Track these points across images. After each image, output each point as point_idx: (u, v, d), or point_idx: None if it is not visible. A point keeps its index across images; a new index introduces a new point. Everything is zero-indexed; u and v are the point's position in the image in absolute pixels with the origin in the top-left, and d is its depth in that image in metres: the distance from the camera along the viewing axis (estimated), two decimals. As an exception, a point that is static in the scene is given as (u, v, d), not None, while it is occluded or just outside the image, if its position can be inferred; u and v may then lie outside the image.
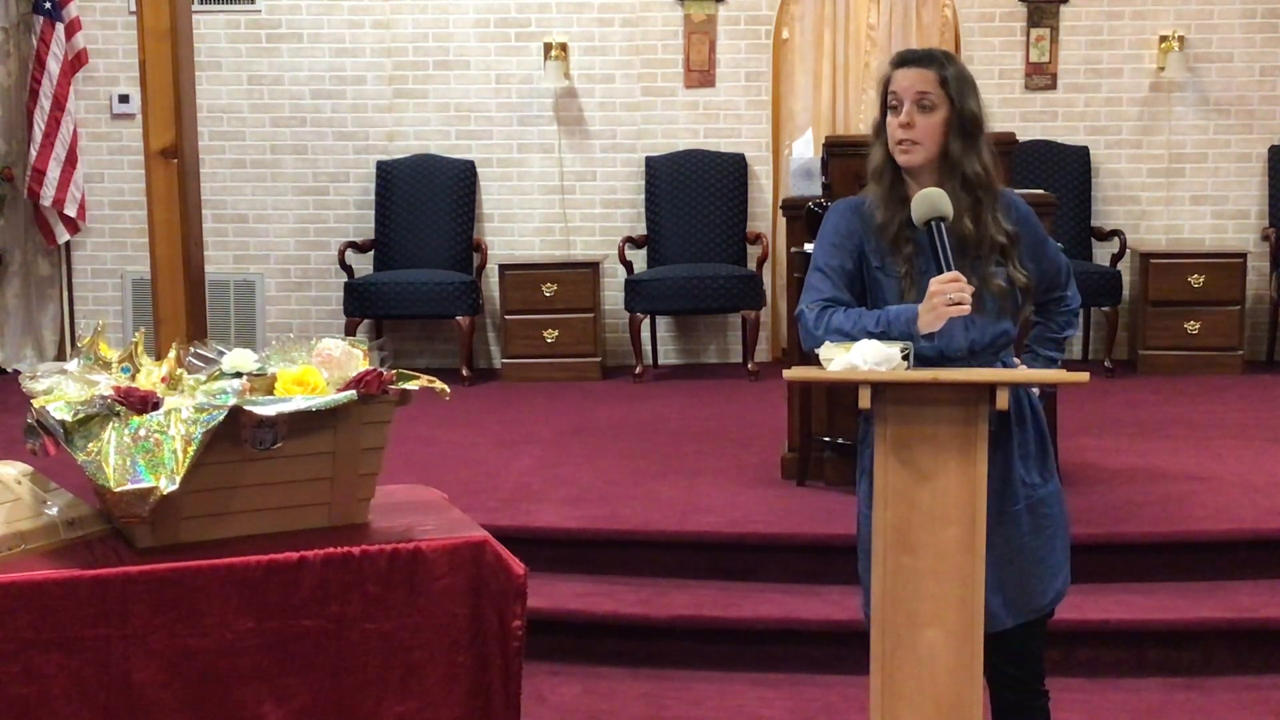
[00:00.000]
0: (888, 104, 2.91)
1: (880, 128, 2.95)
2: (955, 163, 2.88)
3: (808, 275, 3.03)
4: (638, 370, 7.59)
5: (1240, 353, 7.46)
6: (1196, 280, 7.39)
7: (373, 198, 8.00)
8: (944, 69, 2.88)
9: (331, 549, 2.52)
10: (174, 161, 4.38)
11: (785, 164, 7.20)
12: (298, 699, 2.51)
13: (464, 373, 7.57)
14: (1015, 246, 2.92)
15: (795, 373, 2.91)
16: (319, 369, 2.61)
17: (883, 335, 2.81)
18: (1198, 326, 7.41)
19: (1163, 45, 7.74)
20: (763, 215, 7.99)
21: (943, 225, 2.81)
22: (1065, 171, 7.72)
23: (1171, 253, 7.59)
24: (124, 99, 8.01)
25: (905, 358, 2.78)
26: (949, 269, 2.77)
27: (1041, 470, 2.99)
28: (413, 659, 2.58)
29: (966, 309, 2.76)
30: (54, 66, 7.69)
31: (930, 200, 2.82)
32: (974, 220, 2.88)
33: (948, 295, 2.74)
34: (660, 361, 8.01)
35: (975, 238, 2.88)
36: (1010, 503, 2.94)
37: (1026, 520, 2.96)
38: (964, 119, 2.87)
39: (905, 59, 2.93)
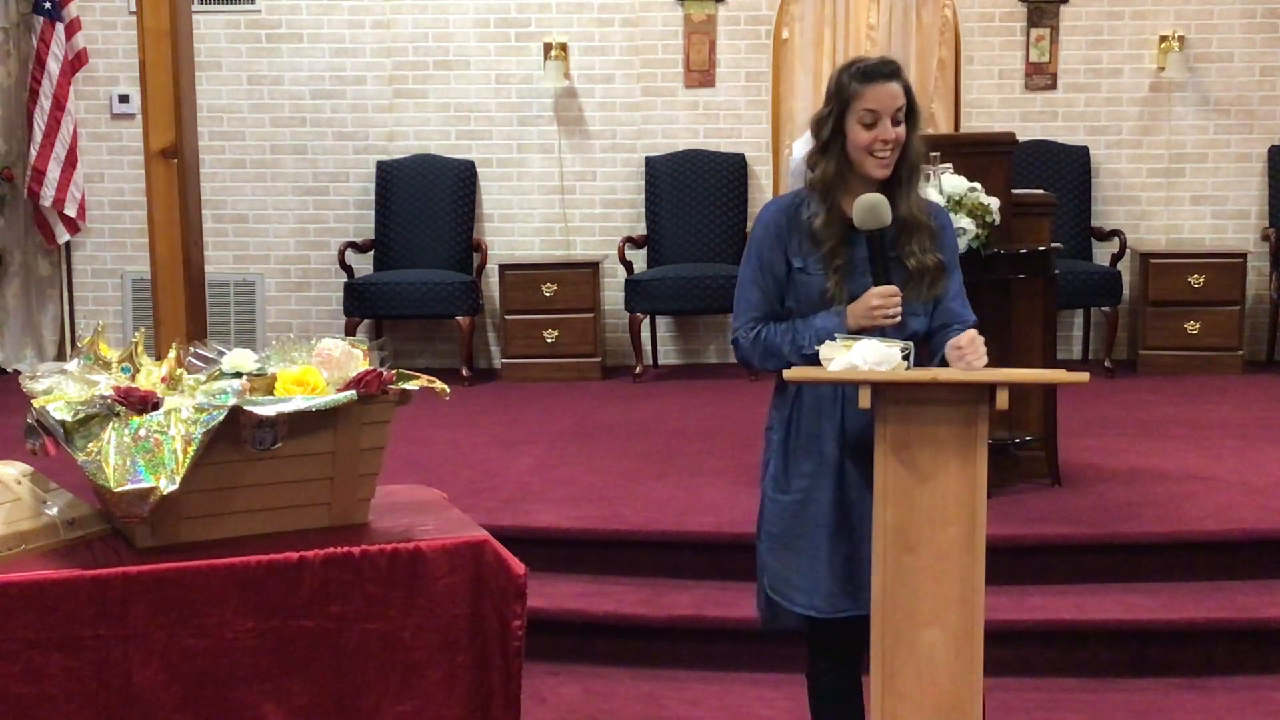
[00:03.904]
0: (858, 120, 2.90)
1: (830, 142, 2.96)
2: (917, 157, 2.97)
3: (738, 288, 3.11)
4: (638, 370, 7.59)
5: (1240, 353, 7.45)
6: (1196, 280, 7.38)
7: (373, 198, 7.99)
8: (904, 77, 2.96)
9: (331, 549, 2.52)
10: (174, 161, 4.38)
11: (785, 164, 7.19)
12: (298, 699, 2.51)
13: (464, 373, 7.57)
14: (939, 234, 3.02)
15: (795, 373, 2.92)
16: (319, 369, 2.61)
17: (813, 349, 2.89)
18: (1198, 326, 7.40)
19: (1163, 45, 7.74)
20: (763, 215, 7.97)
21: (883, 235, 2.89)
22: (1065, 171, 7.72)
23: (1171, 253, 7.58)
24: (124, 99, 8.01)
25: (905, 358, 2.79)
26: (888, 281, 2.88)
27: None
28: (413, 659, 2.58)
29: (897, 321, 2.87)
30: (54, 66, 7.68)
31: (872, 207, 2.86)
32: (917, 205, 2.98)
33: (886, 310, 2.86)
34: (660, 361, 8.00)
35: (918, 221, 2.97)
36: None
37: None
38: (918, 117, 2.96)
39: (876, 73, 2.92)
